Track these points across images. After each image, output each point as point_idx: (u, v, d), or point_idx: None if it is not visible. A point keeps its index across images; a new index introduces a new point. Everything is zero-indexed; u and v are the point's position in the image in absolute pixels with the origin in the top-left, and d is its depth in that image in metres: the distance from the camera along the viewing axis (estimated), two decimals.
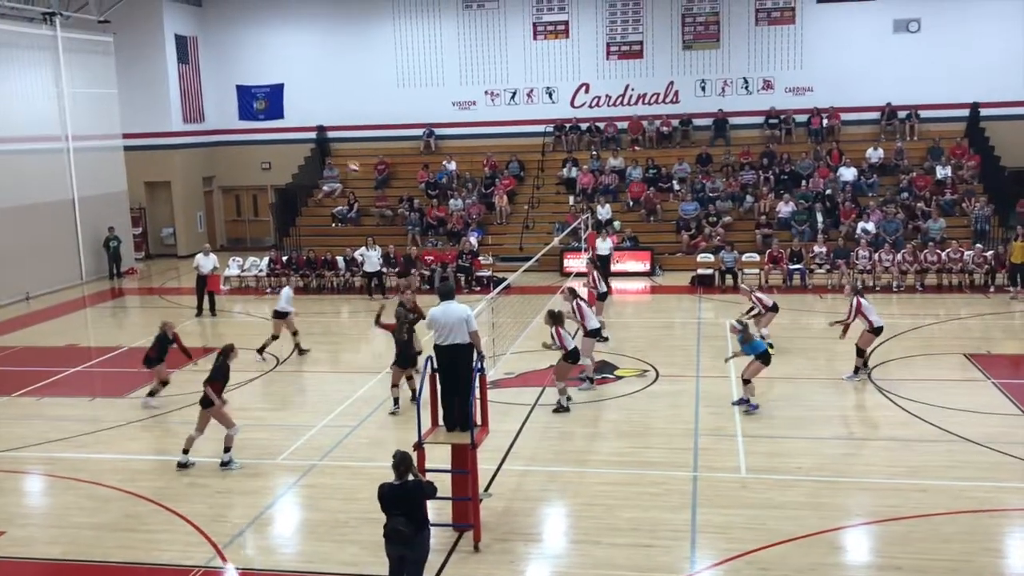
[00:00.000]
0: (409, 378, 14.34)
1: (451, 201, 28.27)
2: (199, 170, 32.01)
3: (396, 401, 14.01)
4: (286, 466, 12.08)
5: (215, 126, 32.39)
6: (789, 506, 10.28)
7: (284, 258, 25.52)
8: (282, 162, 31.42)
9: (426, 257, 25.10)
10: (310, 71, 31.34)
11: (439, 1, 30.47)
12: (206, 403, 11.97)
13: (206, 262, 21.56)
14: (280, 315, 17.44)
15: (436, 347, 9.77)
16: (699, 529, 9.79)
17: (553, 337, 13.82)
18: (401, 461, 7.98)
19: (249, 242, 32.43)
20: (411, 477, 8.02)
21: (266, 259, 25.73)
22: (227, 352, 12.30)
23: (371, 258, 23.66)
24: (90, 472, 12.00)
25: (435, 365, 9.76)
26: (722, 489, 10.80)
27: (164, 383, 14.97)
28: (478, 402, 9.81)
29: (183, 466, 12.02)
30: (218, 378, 12.03)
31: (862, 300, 14.87)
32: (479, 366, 9.70)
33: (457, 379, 9.65)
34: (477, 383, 9.67)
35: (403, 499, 7.89)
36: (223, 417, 12.02)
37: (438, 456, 9.86)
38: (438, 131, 31.00)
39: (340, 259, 24.76)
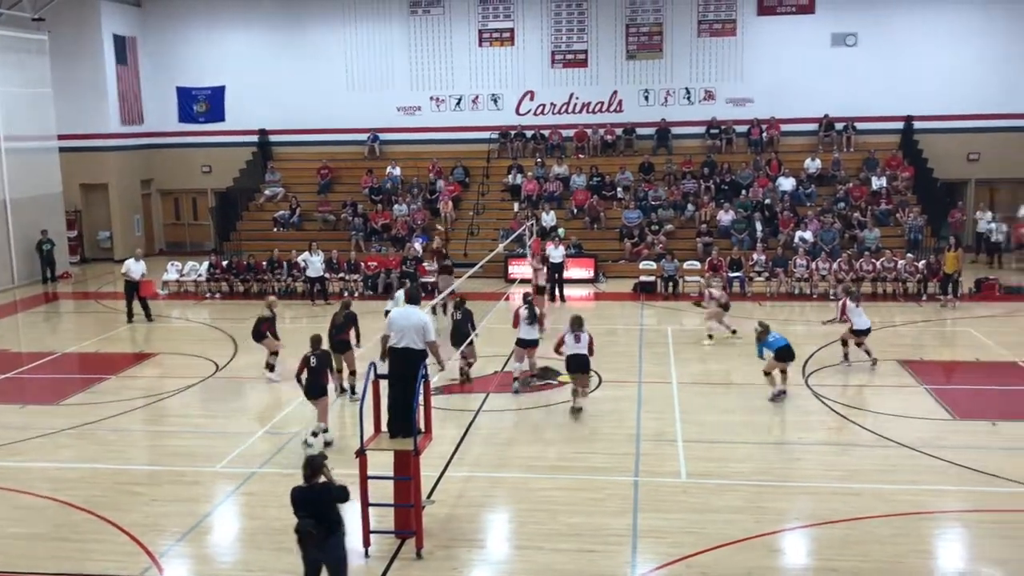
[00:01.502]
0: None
1: (395, 207, 28.15)
2: (137, 172, 31.37)
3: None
4: (225, 474, 11.90)
5: (154, 128, 31.79)
6: (728, 510, 10.42)
7: (224, 263, 25.15)
8: (223, 165, 30.97)
9: (369, 263, 24.95)
10: (253, 73, 30.94)
11: (385, 6, 30.35)
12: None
13: (136, 267, 21.14)
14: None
15: (390, 349, 9.80)
16: (640, 534, 9.87)
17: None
18: (307, 464, 8.07)
19: (189, 246, 31.87)
20: (323, 480, 8.06)
21: (206, 264, 25.31)
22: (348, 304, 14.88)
23: (314, 263, 23.45)
24: (20, 481, 11.67)
25: (378, 372, 9.74)
26: (663, 494, 10.92)
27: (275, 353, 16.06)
28: (422, 408, 9.79)
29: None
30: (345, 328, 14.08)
31: (848, 302, 16.18)
32: (424, 372, 9.68)
33: (403, 384, 9.62)
34: (422, 388, 9.65)
35: (312, 502, 7.96)
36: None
37: (381, 462, 9.80)
38: (383, 136, 30.85)
39: (286, 263, 24.49)
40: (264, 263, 24.81)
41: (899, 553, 9.34)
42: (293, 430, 13.39)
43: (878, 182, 27.24)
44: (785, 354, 14.36)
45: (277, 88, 30.72)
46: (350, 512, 10.06)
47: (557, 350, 14.23)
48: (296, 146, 31.19)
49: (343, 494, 8.11)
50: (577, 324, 14.07)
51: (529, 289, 18.92)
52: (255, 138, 31.29)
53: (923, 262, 22.71)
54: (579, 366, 13.88)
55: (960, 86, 27.94)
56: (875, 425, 13.14)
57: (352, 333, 15.03)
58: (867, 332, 16.16)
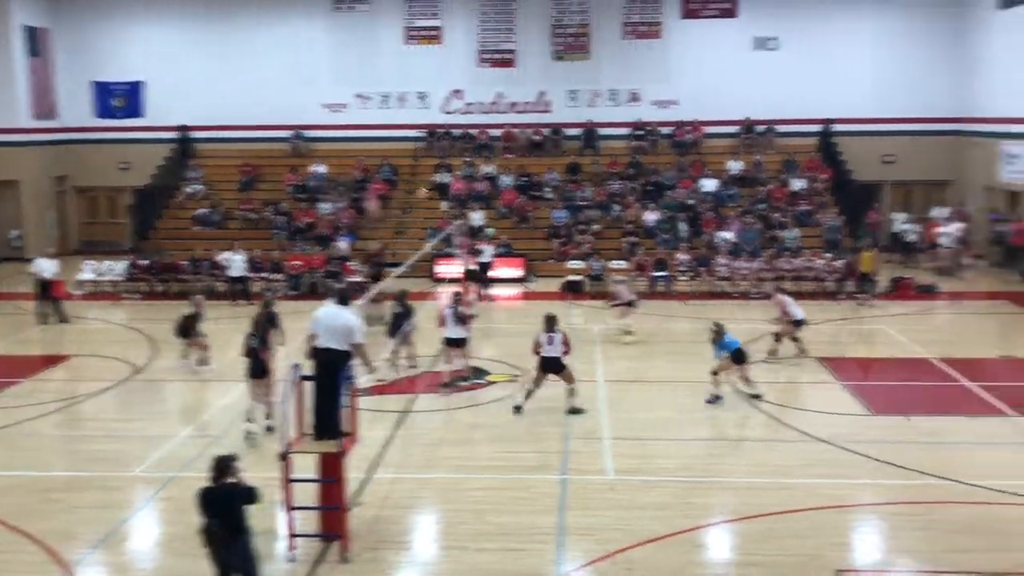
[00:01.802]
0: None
1: (319, 205, 27.78)
2: (51, 169, 30.30)
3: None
4: (143, 479, 11.57)
5: (69, 123, 30.77)
6: (654, 506, 10.53)
7: (143, 262, 24.48)
8: (142, 162, 30.11)
9: (293, 262, 24.57)
10: (173, 68, 30.18)
11: (308, 1, 29.92)
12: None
13: (48, 266, 20.45)
14: None
15: (314, 349, 9.63)
16: (567, 531, 9.91)
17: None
18: (216, 465, 7.99)
19: (105, 245, 30.89)
20: (233, 480, 7.97)
21: (123, 263, 24.59)
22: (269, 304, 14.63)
23: (236, 263, 22.99)
24: None
25: (302, 373, 9.58)
26: (590, 491, 10.97)
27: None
28: (347, 410, 9.66)
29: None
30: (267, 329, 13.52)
31: (783, 297, 16.76)
32: (349, 373, 9.55)
33: (327, 385, 9.47)
34: (347, 390, 9.52)
35: (219, 503, 7.89)
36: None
37: (307, 465, 9.64)
38: (307, 133, 30.41)
39: (207, 262, 23.96)
40: (185, 262, 24.22)
41: (819, 546, 9.55)
42: (216, 433, 13.09)
43: (798, 183, 27.88)
44: (740, 356, 14.34)
45: (198, 84, 30.02)
46: (275, 516, 9.91)
47: (535, 352, 13.97)
48: (218, 143, 30.53)
49: (252, 495, 8.01)
50: (550, 324, 13.89)
51: (458, 288, 18.84)
52: (175, 134, 30.52)
53: (841, 262, 23.32)
54: (551, 367, 13.77)
55: (877, 90, 28.78)
56: (796, 421, 13.44)
57: (273, 335, 14.71)
58: (801, 324, 16.71)
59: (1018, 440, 12.67)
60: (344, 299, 10.00)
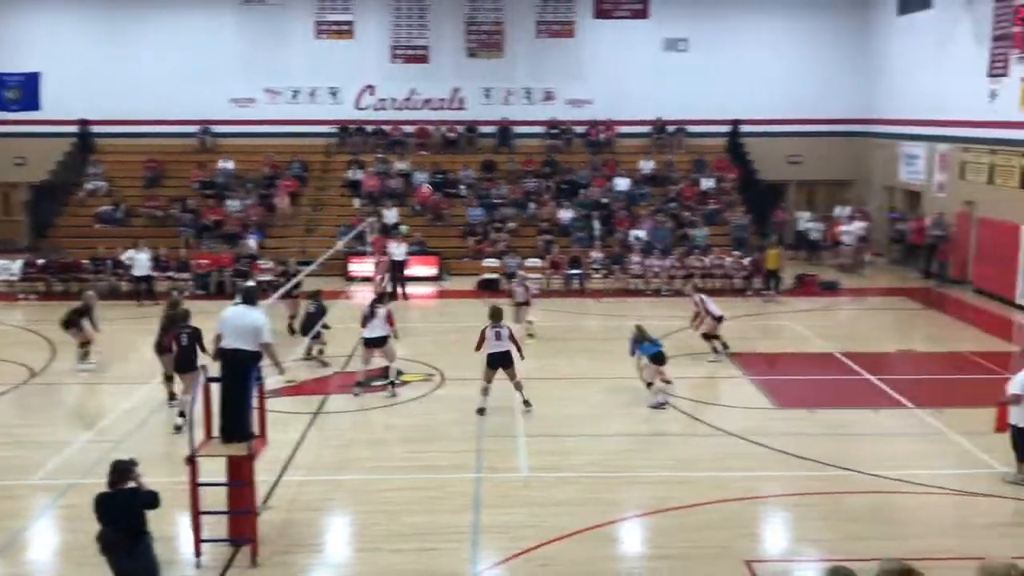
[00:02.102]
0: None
1: (228, 202, 27.14)
2: None
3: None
4: (42, 486, 11.12)
5: None
6: (568, 502, 10.59)
7: (40, 261, 23.52)
8: (38, 158, 28.86)
9: (200, 260, 23.95)
10: (72, 60, 29.03)
11: None
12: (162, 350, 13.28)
13: None
14: None
15: (220, 350, 9.40)
16: (481, 530, 9.88)
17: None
18: (114, 469, 7.79)
19: (0, 244, 29.57)
20: (132, 485, 7.78)
21: (19, 262, 23.58)
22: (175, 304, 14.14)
23: (140, 261, 22.28)
24: None
25: (208, 374, 9.34)
26: (504, 489, 10.98)
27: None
28: (256, 411, 9.45)
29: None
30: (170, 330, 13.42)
31: (702, 296, 16.77)
32: (257, 374, 9.34)
33: (235, 387, 9.25)
34: (255, 391, 9.31)
35: (114, 508, 7.71)
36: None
37: (214, 468, 9.39)
38: (214, 128, 29.67)
39: (110, 261, 23.18)
40: (86, 261, 23.35)
41: (728, 537, 9.74)
42: (117, 437, 12.66)
43: (707, 183, 28.45)
44: (660, 359, 14.39)
45: (99, 76, 28.95)
46: (181, 521, 9.63)
47: (478, 349, 13.77)
48: (121, 138, 29.49)
49: (152, 500, 7.81)
50: (496, 317, 13.70)
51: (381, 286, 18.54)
52: (75, 128, 29.39)
53: (748, 259, 23.87)
54: (500, 362, 13.56)
55: (783, 92, 29.52)
56: (705, 415, 13.69)
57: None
58: (722, 320, 16.93)
59: (916, 431, 13.15)
60: (250, 298, 9.77)
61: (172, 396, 13.83)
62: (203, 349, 12.85)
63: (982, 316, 20.80)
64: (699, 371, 16.20)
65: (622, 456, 12.24)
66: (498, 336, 13.58)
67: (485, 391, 13.71)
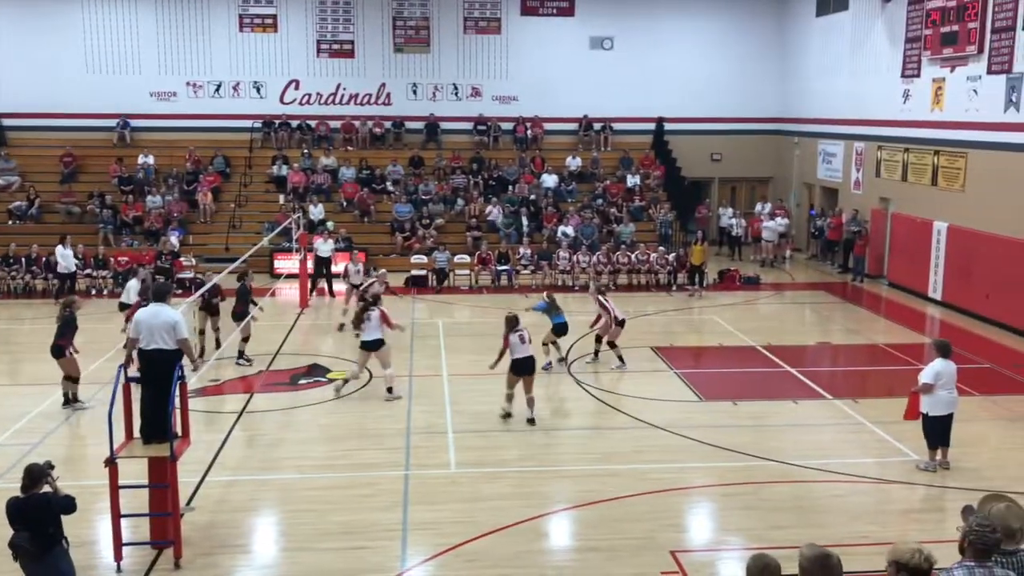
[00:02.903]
0: None
1: (148, 198, 26.49)
2: None
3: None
4: None
5: None
6: (496, 497, 10.64)
7: None
8: None
9: (120, 258, 23.34)
10: None
11: None
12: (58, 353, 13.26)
13: None
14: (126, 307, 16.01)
15: (140, 351, 9.18)
16: (410, 527, 9.86)
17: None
18: (27, 474, 7.59)
19: None
20: (47, 490, 7.59)
21: None
22: (70, 304, 13.85)
23: (67, 257, 21.58)
24: None
25: (128, 374, 9.11)
26: (432, 486, 10.97)
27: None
28: (178, 411, 9.26)
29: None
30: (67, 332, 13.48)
31: (606, 298, 16.39)
32: (180, 373, 9.15)
33: (157, 387, 9.05)
34: (177, 391, 9.12)
35: (26, 513, 7.49)
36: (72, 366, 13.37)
37: (134, 471, 9.18)
38: (133, 123, 28.90)
39: (24, 258, 22.43)
40: (21, 259, 22.58)
41: (654, 528, 9.90)
42: (33, 440, 12.28)
43: (632, 180, 28.81)
44: (561, 330, 15.80)
45: (11, 67, 27.98)
46: (98, 525, 9.40)
47: (500, 358, 13.42)
48: (34, 131, 28.53)
49: (68, 504, 7.62)
50: (514, 322, 13.24)
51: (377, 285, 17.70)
52: None
53: (673, 255, 24.26)
54: (526, 369, 13.17)
55: (705, 91, 30.06)
56: (631, 408, 13.87)
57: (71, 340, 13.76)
58: (624, 323, 16.64)
59: (835, 421, 13.55)
60: (161, 296, 9.57)
61: (75, 398, 13.67)
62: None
63: (896, 309, 21.52)
64: (627, 365, 16.37)
65: (549, 450, 12.34)
66: (522, 340, 13.13)
67: (509, 398, 13.31)
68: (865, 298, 22.79)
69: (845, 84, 26.43)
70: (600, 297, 16.40)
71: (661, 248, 24.79)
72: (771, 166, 31.04)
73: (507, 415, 13.31)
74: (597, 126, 30.30)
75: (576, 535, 9.96)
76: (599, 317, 16.43)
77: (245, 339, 16.23)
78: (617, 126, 30.32)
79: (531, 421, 13.13)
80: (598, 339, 16.50)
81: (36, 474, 7.56)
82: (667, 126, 30.49)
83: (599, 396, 14.51)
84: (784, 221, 27.57)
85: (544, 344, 15.73)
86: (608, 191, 28.29)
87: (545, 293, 16.85)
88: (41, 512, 7.50)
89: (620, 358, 16.17)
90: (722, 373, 16.45)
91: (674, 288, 23.56)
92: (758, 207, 28.69)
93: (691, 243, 24.14)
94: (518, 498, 10.62)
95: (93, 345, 16.09)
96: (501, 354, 13.49)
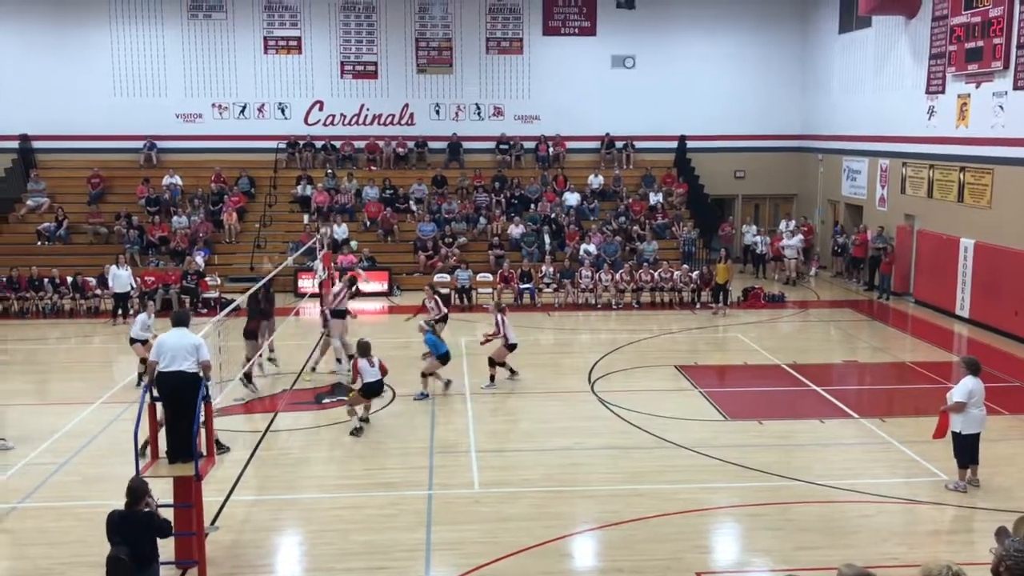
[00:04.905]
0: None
1: (174, 218, 26.76)
2: None
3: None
4: None
5: None
6: (519, 518, 10.58)
7: None
8: None
9: (146, 277, 23.55)
10: (12, 73, 28.43)
11: (161, 8, 28.83)
12: None
13: None
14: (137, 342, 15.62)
15: (160, 374, 9.19)
16: (433, 547, 9.82)
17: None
18: (132, 490, 7.63)
19: None
20: (147, 508, 7.63)
21: None
22: None
23: (121, 278, 21.74)
24: None
25: (155, 394, 9.17)
26: (456, 505, 10.93)
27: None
28: (203, 431, 9.30)
29: None
30: None
31: (503, 317, 16.07)
32: (204, 393, 9.19)
33: (181, 408, 9.09)
34: (202, 411, 9.16)
35: (129, 529, 7.50)
36: None
37: (161, 490, 9.20)
38: (160, 144, 29.26)
39: (47, 280, 22.70)
40: (48, 279, 22.89)
41: (680, 549, 9.80)
42: (60, 460, 12.37)
43: (655, 198, 28.77)
44: (445, 359, 15.37)
45: (41, 90, 28.42)
46: None
47: (355, 380, 13.79)
48: (63, 153, 28.96)
49: (166, 528, 7.75)
50: (365, 350, 13.61)
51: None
52: (15, 144, 28.78)
53: (696, 272, 24.16)
54: (376, 392, 13.69)
55: (727, 108, 30.04)
56: (655, 428, 13.77)
57: None
58: (515, 347, 16.21)
59: (862, 441, 13.38)
60: (183, 321, 9.62)
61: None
62: None
63: (923, 327, 21.30)
64: (650, 384, 16.30)
65: (573, 470, 12.27)
66: (371, 364, 13.50)
67: (351, 414, 13.64)
68: (891, 316, 22.58)
69: (869, 101, 26.31)
70: (500, 315, 16.17)
71: (684, 266, 24.70)
72: (795, 183, 30.91)
73: (357, 431, 13.42)
74: (619, 144, 30.32)
75: (600, 556, 9.88)
76: (494, 334, 16.10)
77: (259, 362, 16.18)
78: (639, 144, 30.33)
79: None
80: (492, 362, 16.03)
81: (140, 491, 7.62)
82: (690, 143, 30.46)
83: (623, 415, 14.42)
84: (808, 238, 27.43)
85: (424, 375, 15.29)
86: (630, 209, 28.26)
87: (423, 320, 16.42)
88: (142, 529, 7.56)
89: (495, 376, 15.95)
90: (747, 392, 16.32)
91: (698, 306, 23.44)
92: (781, 225, 28.55)
93: (715, 261, 24.03)
94: (542, 518, 10.56)
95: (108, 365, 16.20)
96: (354, 379, 13.85)
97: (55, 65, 28.56)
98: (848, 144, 27.68)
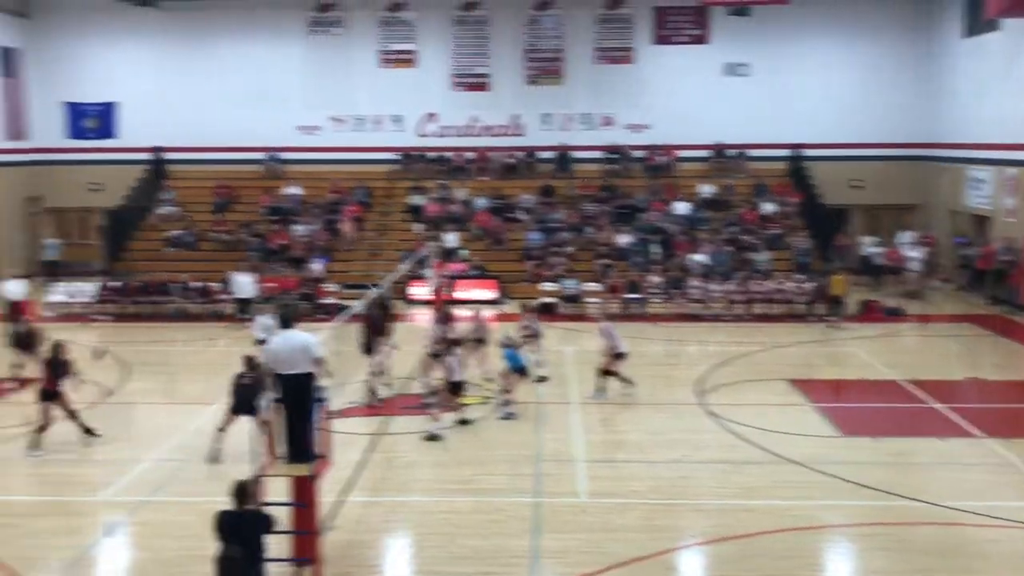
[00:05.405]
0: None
1: (294, 227, 27.73)
2: (21, 190, 30.05)
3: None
4: (113, 503, 11.46)
5: (41, 144, 30.57)
6: (626, 529, 10.57)
7: (115, 284, 24.31)
8: (114, 183, 29.89)
9: (267, 284, 24.48)
10: (147, 89, 30.10)
11: (282, 24, 29.96)
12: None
13: (14, 288, 20.15)
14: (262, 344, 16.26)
15: (278, 376, 9.50)
16: (539, 555, 9.91)
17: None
18: (239, 490, 7.82)
19: (77, 266, 30.56)
20: (254, 507, 7.86)
21: (95, 285, 24.39)
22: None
23: (244, 284, 22.70)
24: None
25: (276, 395, 9.52)
26: (562, 514, 10.99)
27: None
28: (319, 432, 9.62)
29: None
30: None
31: (611, 327, 15.99)
32: (320, 395, 9.51)
33: (297, 409, 9.42)
34: (318, 413, 9.48)
35: (239, 528, 7.70)
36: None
37: (277, 489, 9.59)
38: (281, 155, 30.39)
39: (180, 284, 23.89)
40: (175, 284, 24.15)
41: (791, 567, 9.62)
42: (185, 457, 13.00)
43: (768, 207, 28.22)
44: (522, 373, 15.10)
45: (172, 105, 29.95)
46: None
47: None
48: (192, 164, 30.42)
49: (272, 524, 7.92)
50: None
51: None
52: (149, 155, 30.40)
53: (811, 284, 23.58)
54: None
55: (845, 116, 29.23)
56: (765, 442, 13.53)
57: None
58: (623, 357, 15.90)
59: (985, 461, 12.84)
60: (287, 322, 9.70)
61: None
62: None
63: None
64: (760, 398, 16.02)
65: (681, 483, 12.17)
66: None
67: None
68: (1018, 331, 21.52)
69: (995, 107, 25.16)
70: (606, 324, 15.97)
71: (799, 277, 24.14)
72: (916, 193, 29.79)
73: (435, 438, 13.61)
74: (731, 152, 29.88)
75: (709, 571, 9.79)
76: (608, 347, 15.84)
77: (377, 374, 16.02)
78: (752, 152, 29.80)
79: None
80: (602, 373, 15.83)
81: (247, 490, 7.83)
82: (805, 152, 29.76)
83: (733, 429, 14.21)
84: (929, 250, 26.41)
85: (506, 391, 14.98)
86: (742, 218, 27.81)
87: (506, 336, 15.89)
88: (253, 528, 7.74)
89: (626, 381, 15.78)
90: (862, 408, 15.85)
91: (812, 319, 22.86)
92: (901, 235, 27.59)
93: (831, 272, 23.39)
94: (649, 530, 10.52)
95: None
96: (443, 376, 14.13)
97: (186, 81, 30.04)
98: (972, 152, 26.54)
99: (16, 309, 20.26)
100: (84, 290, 24.41)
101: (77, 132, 30.67)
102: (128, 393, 16.59)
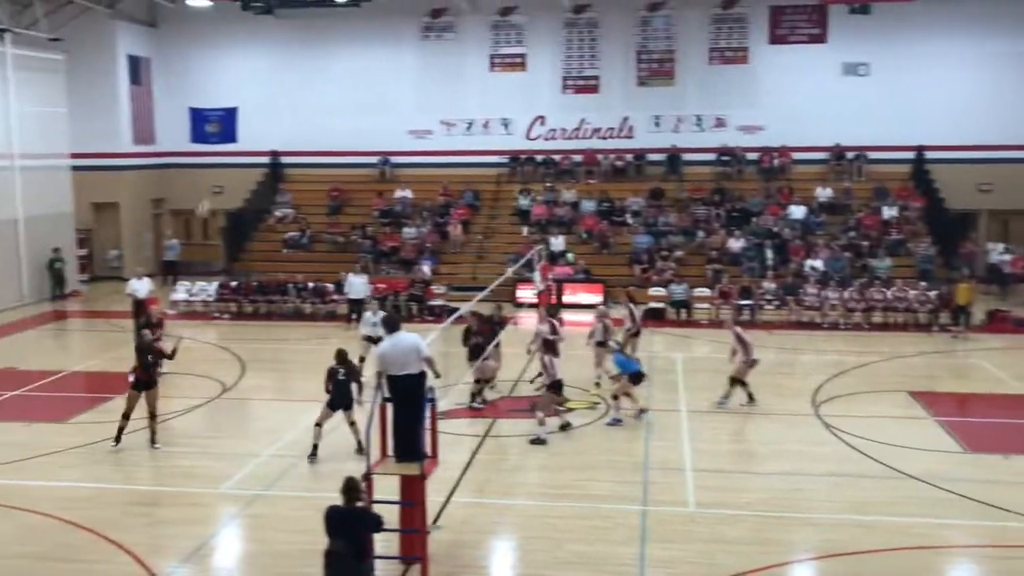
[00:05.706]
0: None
1: (404, 229, 28.19)
2: (148, 192, 31.54)
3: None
4: (230, 495, 11.83)
5: (166, 148, 32.00)
6: (736, 541, 10.30)
7: (233, 283, 25.22)
8: (234, 186, 31.06)
9: (378, 285, 24.95)
10: (265, 95, 31.17)
11: (397, 30, 30.52)
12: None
13: (140, 286, 21.06)
14: (369, 340, 16.62)
15: (389, 377, 9.62)
16: (647, 563, 9.75)
17: (545, 366, 14.13)
18: (349, 487, 7.92)
19: (198, 266, 31.84)
20: (361, 505, 7.97)
21: (215, 284, 25.36)
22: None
23: (356, 284, 23.14)
24: (25, 499, 11.60)
25: (386, 394, 9.66)
26: (670, 523, 10.79)
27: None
28: (428, 432, 9.71)
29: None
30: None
31: (742, 332, 15.53)
32: (430, 396, 9.60)
33: (407, 409, 9.53)
34: (428, 413, 9.57)
35: (348, 524, 7.81)
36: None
37: (387, 487, 9.72)
38: (393, 159, 30.95)
39: (292, 285, 24.60)
40: (291, 284, 24.89)
41: None
42: (298, 453, 13.32)
43: (889, 212, 27.18)
44: (638, 379, 14.56)
45: (289, 110, 30.94)
46: None
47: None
48: (307, 168, 31.32)
49: (378, 523, 8.02)
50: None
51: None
52: (267, 159, 31.44)
53: (935, 292, 22.58)
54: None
55: (972, 116, 27.91)
56: (883, 456, 12.98)
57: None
58: (756, 364, 15.36)
59: None
60: (393, 326, 9.81)
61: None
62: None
63: None
64: (879, 410, 15.40)
65: (793, 495, 11.79)
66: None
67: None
68: None
69: None
70: (738, 330, 15.47)
71: (922, 284, 23.15)
72: None
73: (541, 441, 13.50)
74: (850, 155, 28.91)
75: None
76: (734, 352, 15.40)
77: (480, 381, 15.74)
78: (872, 155, 28.78)
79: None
80: (734, 381, 15.33)
81: (356, 488, 7.97)
82: (928, 154, 28.54)
83: (849, 441, 13.70)
84: None
85: (615, 397, 14.72)
86: (861, 223, 26.85)
87: (613, 341, 15.93)
88: (361, 524, 7.89)
89: (750, 396, 15.30)
90: (990, 423, 15.07)
91: (935, 328, 21.90)
92: None
93: (957, 280, 22.33)
94: (760, 543, 10.23)
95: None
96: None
97: (302, 87, 30.94)
98: None
99: (141, 306, 21.19)
100: (205, 289, 25.39)
101: (200, 137, 31.97)
102: (243, 389, 17.14)
